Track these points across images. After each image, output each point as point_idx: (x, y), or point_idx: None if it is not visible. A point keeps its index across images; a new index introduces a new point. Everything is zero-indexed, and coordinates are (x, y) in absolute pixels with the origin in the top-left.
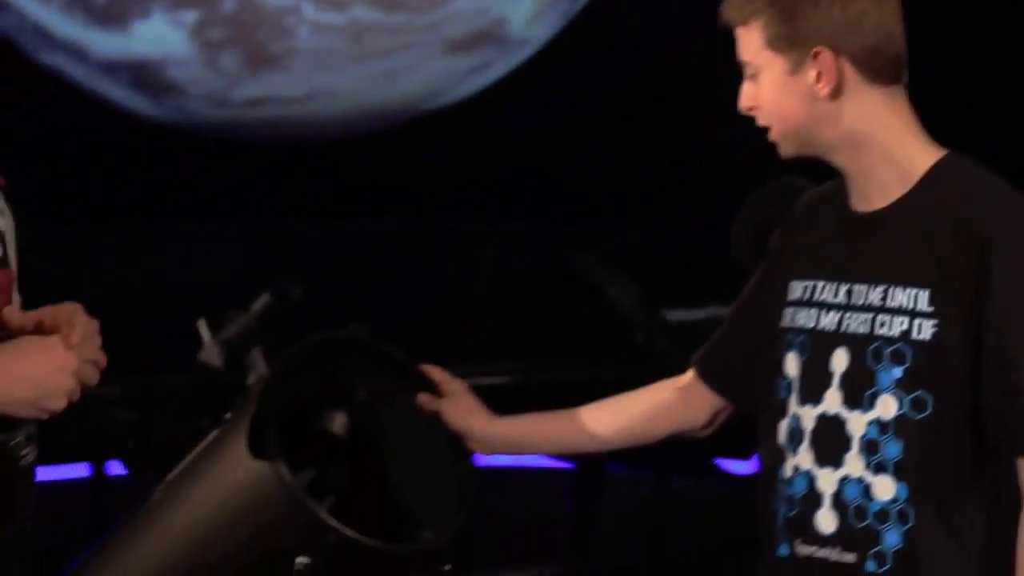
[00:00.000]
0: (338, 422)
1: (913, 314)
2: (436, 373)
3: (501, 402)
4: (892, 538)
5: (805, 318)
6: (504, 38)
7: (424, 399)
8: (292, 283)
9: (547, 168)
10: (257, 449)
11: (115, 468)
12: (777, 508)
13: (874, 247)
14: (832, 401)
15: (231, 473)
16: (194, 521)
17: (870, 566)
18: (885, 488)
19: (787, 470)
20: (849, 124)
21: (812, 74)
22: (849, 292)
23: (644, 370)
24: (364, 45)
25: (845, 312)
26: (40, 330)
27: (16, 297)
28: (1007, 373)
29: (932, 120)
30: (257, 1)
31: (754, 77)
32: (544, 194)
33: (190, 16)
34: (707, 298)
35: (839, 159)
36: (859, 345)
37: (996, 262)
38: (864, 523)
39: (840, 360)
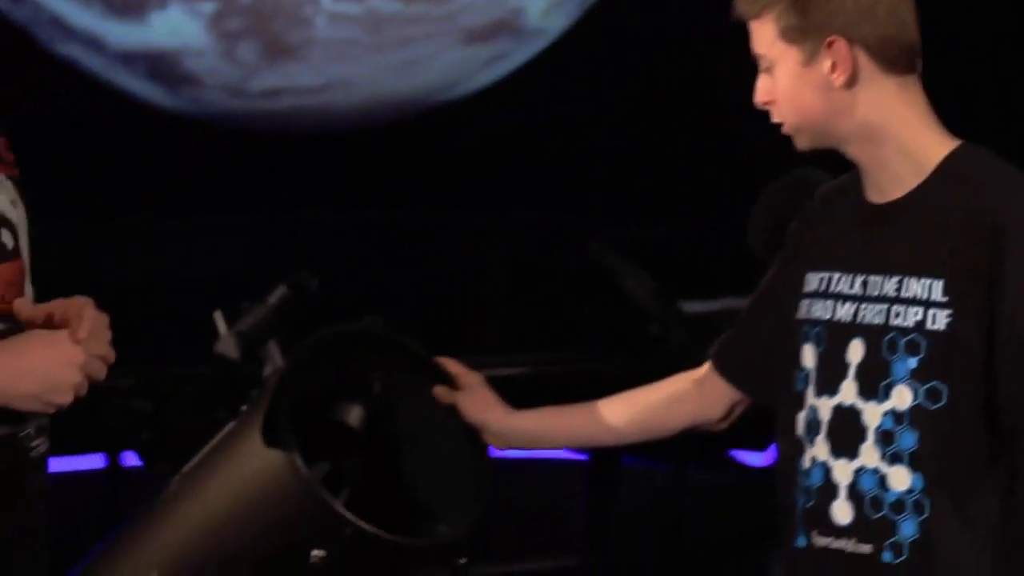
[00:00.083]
0: (354, 414)
1: (927, 304)
2: (452, 366)
3: (515, 394)
4: (908, 528)
5: (821, 309)
6: (520, 28)
7: (440, 392)
8: (309, 275)
9: (563, 159)
10: (273, 441)
11: (130, 459)
12: (796, 499)
13: (889, 238)
14: (848, 392)
15: (247, 465)
16: (209, 513)
17: (886, 556)
18: (900, 479)
19: (805, 461)
20: (864, 114)
21: (827, 64)
22: (865, 283)
23: (659, 362)
24: (382, 35)
25: (861, 303)
26: (50, 323)
27: (28, 289)
28: (1021, 363)
29: None
30: None
31: (769, 70)
32: (560, 185)
33: (208, 6)
34: (723, 290)
35: (854, 151)
36: (874, 336)
37: (1009, 252)
38: (880, 514)
39: (856, 351)
